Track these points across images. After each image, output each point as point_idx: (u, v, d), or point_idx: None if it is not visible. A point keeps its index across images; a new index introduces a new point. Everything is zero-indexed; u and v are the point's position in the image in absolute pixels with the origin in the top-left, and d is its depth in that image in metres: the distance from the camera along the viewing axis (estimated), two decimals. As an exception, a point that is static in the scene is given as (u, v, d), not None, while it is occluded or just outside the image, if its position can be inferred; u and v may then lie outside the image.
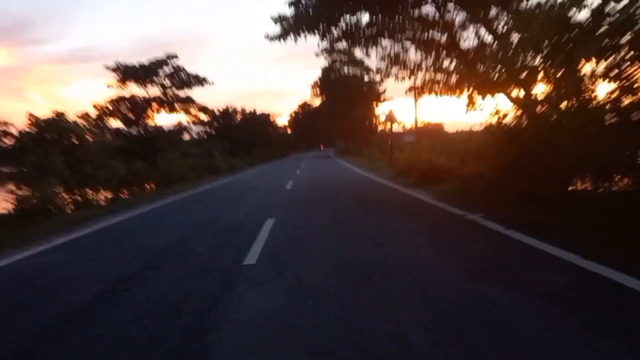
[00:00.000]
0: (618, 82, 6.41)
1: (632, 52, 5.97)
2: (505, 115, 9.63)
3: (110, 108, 23.10)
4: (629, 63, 6.17)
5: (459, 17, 15.11)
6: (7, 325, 3.75)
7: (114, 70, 23.77)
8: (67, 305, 4.12)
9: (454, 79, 16.49)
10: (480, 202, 8.97)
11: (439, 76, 16.68)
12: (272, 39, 16.99)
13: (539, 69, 10.93)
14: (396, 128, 37.48)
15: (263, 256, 5.47)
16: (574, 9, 7.04)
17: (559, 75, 8.24)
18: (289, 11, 15.91)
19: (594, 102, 7.44)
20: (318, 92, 62.62)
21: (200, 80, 25.46)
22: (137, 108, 24.23)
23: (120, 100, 23.81)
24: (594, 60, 7.00)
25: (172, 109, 25.79)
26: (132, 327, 3.44)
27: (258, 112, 59.70)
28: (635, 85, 6.24)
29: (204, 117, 42.90)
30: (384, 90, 58.23)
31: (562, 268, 4.34)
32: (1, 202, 12.85)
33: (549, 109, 9.49)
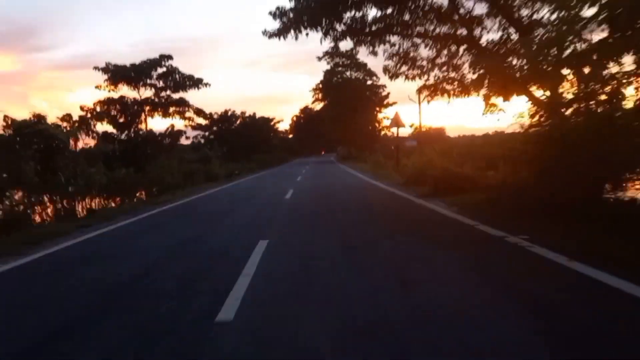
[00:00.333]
0: None
1: None
2: (542, 116, 8.11)
3: (98, 110, 21.58)
4: None
5: (477, 8, 13.57)
6: None
7: (104, 70, 22.32)
8: None
9: (469, 77, 15.07)
10: (515, 217, 7.41)
11: (453, 75, 15.29)
12: (271, 35, 15.51)
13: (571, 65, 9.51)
14: (402, 132, 36.05)
15: (245, 306, 3.89)
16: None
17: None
18: (288, 4, 14.40)
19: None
20: (319, 96, 61.19)
21: (195, 82, 23.98)
22: (128, 111, 22.73)
23: (109, 102, 22.32)
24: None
25: (165, 112, 24.29)
26: None
27: (258, 116, 58.22)
28: None
29: (201, 121, 41.50)
30: (387, 94, 56.90)
31: None
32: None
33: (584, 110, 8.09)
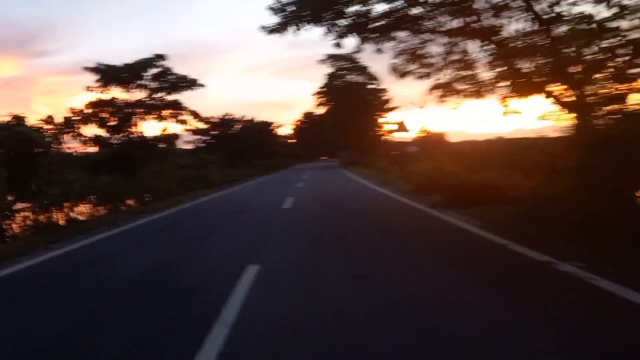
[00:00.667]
0: None
1: None
2: (604, 115, 6.87)
3: (85, 112, 20.31)
4: None
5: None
6: None
7: (94, 70, 21.13)
8: None
9: (484, 77, 13.88)
10: (555, 235, 6.15)
11: (466, 73, 14.09)
12: (270, 31, 14.29)
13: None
14: (401, 137, 34.87)
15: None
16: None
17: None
18: (288, -3, 13.21)
19: None
20: (322, 100, 60.03)
21: (189, 83, 22.74)
22: (119, 113, 21.48)
23: (99, 104, 21.08)
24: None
25: (159, 115, 23.02)
26: None
27: (258, 121, 56.98)
28: None
29: (199, 125, 40.32)
30: (389, 99, 55.75)
31: None
32: None
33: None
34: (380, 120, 55.73)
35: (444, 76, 14.32)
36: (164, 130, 22.57)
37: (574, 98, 10.52)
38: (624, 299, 3.80)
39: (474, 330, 3.34)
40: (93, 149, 21.12)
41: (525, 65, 12.34)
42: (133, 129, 22.42)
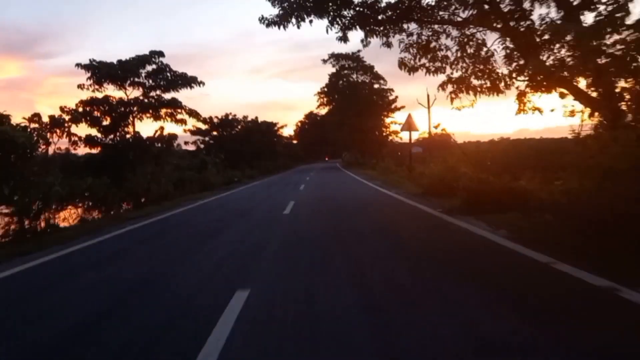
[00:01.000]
0: None
1: None
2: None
3: (77, 110, 19.26)
4: None
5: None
6: None
7: (87, 68, 20.13)
8: None
9: (501, 71, 12.85)
10: (604, 250, 5.08)
11: (482, 68, 13.05)
12: (269, 23, 13.27)
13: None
14: (407, 139, 33.79)
15: None
16: None
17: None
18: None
19: None
20: (324, 100, 58.95)
21: (188, 80, 21.68)
22: (114, 112, 20.45)
23: (92, 102, 20.04)
24: None
25: (156, 115, 21.99)
26: None
27: (261, 121, 55.92)
28: None
29: (200, 125, 39.35)
30: (395, 98, 54.64)
31: None
32: None
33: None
34: (386, 120, 54.60)
35: (458, 71, 13.30)
36: (160, 130, 21.52)
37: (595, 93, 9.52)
38: None
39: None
40: (85, 150, 20.11)
41: (549, 58, 11.32)
42: (128, 129, 21.40)
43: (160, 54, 21.53)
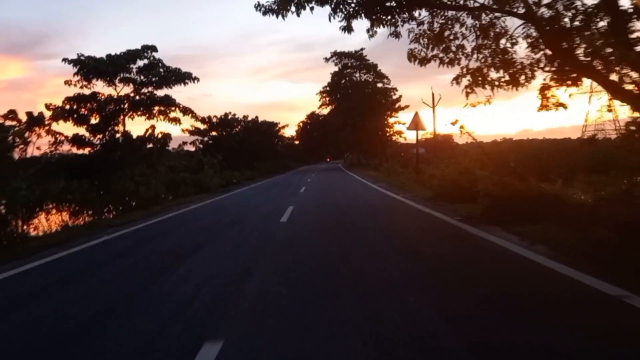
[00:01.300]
0: None
1: None
2: None
3: (63, 108, 18.01)
4: None
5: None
6: None
7: (74, 63, 18.89)
8: None
9: (522, 61, 11.62)
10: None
11: (502, 58, 11.81)
12: (265, 11, 11.95)
13: None
14: (409, 139, 32.48)
15: None
16: None
17: None
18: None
19: None
20: (327, 99, 57.65)
21: (181, 76, 20.39)
22: (102, 110, 19.18)
23: (79, 99, 18.79)
24: None
25: (149, 113, 20.73)
26: None
27: (262, 120, 54.60)
28: None
29: (197, 124, 38.12)
30: (399, 98, 53.37)
31: None
32: None
33: None
34: (390, 120, 53.32)
35: (475, 62, 12.05)
36: (151, 128, 20.21)
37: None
38: None
39: None
40: (79, 151, 18.81)
41: (580, 47, 10.07)
42: (119, 128, 20.14)
43: (153, 48, 20.28)
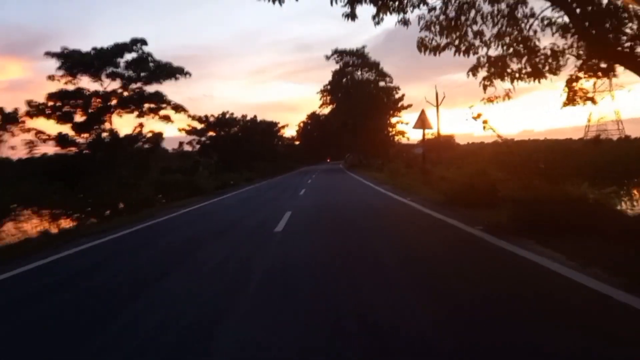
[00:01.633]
0: None
1: None
2: None
3: (45, 105, 16.76)
4: None
5: None
6: None
7: (57, 56, 17.67)
8: None
9: (547, 50, 10.52)
10: None
11: (525, 46, 10.66)
12: (262, -4, 10.66)
13: None
14: (412, 137, 31.25)
15: None
16: None
17: None
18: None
19: None
20: (327, 99, 56.36)
21: (172, 71, 19.12)
22: (87, 107, 17.93)
23: (63, 95, 17.55)
24: None
25: (139, 111, 19.48)
26: None
27: (260, 119, 53.32)
28: None
29: (193, 123, 36.87)
30: (402, 96, 52.12)
31: None
32: None
33: None
34: (392, 120, 52.06)
35: (492, 50, 10.86)
36: (140, 126, 18.95)
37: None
38: None
39: None
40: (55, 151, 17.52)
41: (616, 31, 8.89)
42: (106, 126, 18.87)
43: (142, 41, 19.01)
